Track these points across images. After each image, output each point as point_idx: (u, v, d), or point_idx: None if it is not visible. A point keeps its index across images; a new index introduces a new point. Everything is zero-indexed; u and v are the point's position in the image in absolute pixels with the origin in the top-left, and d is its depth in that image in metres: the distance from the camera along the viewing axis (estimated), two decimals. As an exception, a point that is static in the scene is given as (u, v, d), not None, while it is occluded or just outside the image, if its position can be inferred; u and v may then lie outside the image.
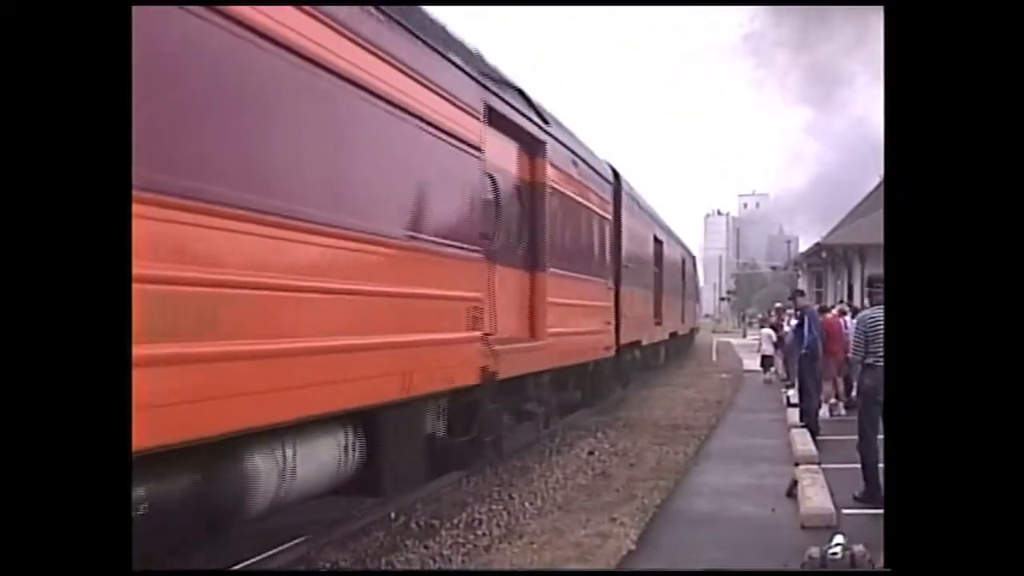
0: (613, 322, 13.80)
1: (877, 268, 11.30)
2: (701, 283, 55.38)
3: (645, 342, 18.15)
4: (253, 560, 5.96)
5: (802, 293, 15.15)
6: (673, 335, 24.86)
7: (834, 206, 45.47)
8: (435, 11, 7.14)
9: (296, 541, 6.45)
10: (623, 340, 14.51)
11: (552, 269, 9.89)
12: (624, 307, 14.60)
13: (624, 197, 15.37)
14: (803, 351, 12.32)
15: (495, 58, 8.84)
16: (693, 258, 35.99)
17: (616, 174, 14.97)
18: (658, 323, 20.42)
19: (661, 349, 23.60)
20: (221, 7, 4.27)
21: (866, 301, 10.45)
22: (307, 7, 5.01)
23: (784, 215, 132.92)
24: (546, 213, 9.73)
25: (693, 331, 36.10)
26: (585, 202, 11.84)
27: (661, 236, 21.72)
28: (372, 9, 5.77)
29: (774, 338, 21.11)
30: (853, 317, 14.08)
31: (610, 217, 13.85)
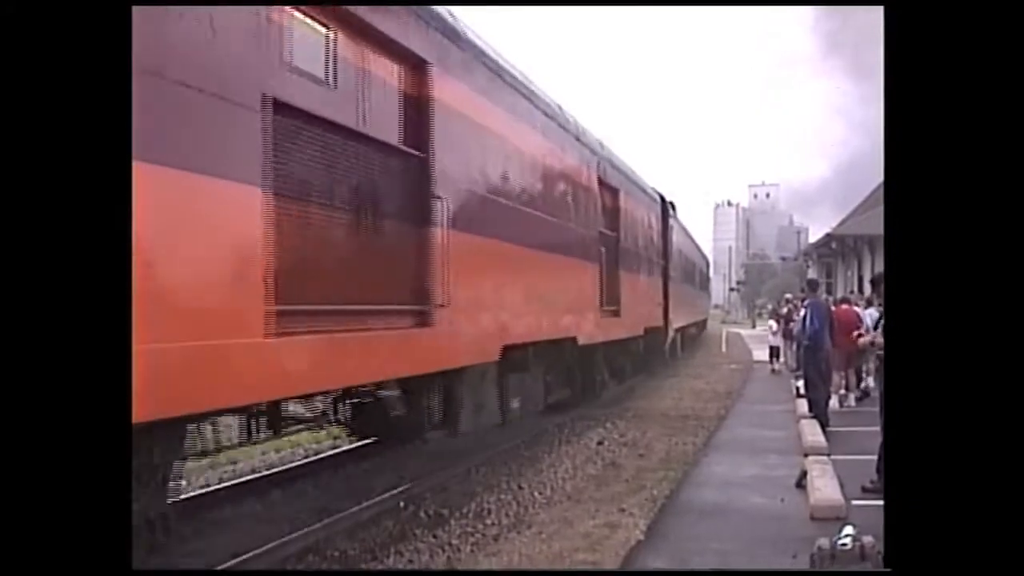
0: None
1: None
2: (707, 267, 42.95)
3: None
4: (263, 548, 5.99)
5: (816, 284, 15.07)
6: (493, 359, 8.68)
7: (857, 195, 43.66)
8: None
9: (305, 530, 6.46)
10: None
11: None
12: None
13: None
14: (806, 342, 12.28)
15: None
16: (669, 206, 21.14)
17: None
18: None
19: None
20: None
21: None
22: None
23: (804, 205, 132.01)
24: None
25: (660, 331, 19.49)
26: None
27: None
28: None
29: (775, 328, 21.53)
30: (866, 308, 14.10)
31: None
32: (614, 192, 14.29)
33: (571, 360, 11.91)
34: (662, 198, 20.11)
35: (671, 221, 21.19)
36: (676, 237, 22.60)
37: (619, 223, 14.40)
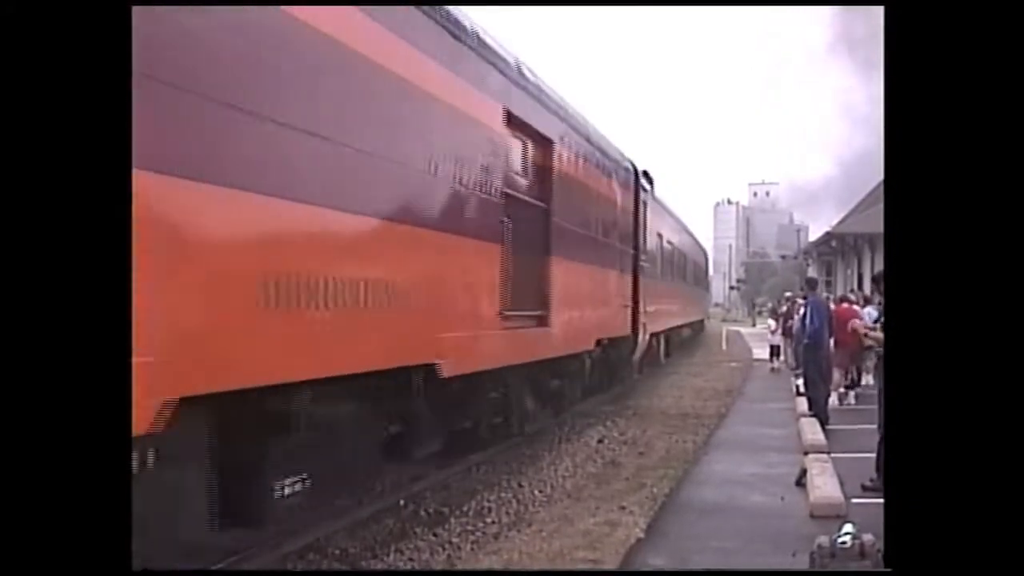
0: None
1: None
2: (705, 260, 39.32)
3: None
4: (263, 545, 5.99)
5: (815, 282, 15.07)
6: None
7: (858, 193, 43.16)
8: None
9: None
10: None
11: None
12: None
13: None
14: (806, 341, 12.28)
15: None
16: (642, 176, 15.93)
17: None
18: None
19: None
20: None
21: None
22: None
23: (805, 203, 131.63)
24: None
25: (627, 341, 14.72)
26: None
27: None
28: None
29: (774, 327, 21.84)
30: (864, 307, 14.11)
31: None
32: (543, 143, 9.62)
33: (442, 397, 7.32)
34: (633, 167, 15.19)
35: (643, 196, 15.84)
36: (653, 218, 17.41)
37: (550, 189, 9.71)
